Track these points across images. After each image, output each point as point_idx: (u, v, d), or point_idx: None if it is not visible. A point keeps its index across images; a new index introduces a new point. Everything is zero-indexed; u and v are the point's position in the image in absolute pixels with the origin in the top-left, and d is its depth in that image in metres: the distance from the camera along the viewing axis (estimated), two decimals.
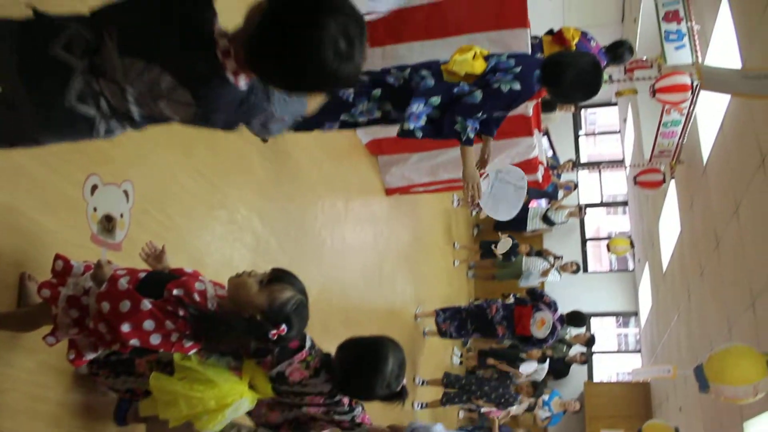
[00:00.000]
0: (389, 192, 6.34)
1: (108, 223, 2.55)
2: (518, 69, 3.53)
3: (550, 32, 6.69)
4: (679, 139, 7.27)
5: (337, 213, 5.03)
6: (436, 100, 3.56)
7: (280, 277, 1.98)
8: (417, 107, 3.55)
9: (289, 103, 1.68)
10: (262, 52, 1.42)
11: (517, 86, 3.48)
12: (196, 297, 1.94)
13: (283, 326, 1.95)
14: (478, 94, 3.50)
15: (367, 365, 2.30)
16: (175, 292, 1.93)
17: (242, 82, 1.52)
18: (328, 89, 1.49)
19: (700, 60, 6.34)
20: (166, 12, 1.48)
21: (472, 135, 3.58)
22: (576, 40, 5.98)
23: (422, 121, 3.59)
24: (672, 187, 8.34)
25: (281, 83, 1.50)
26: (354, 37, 1.40)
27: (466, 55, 3.60)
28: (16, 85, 1.50)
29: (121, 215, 2.61)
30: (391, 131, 5.43)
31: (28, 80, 1.50)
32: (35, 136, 1.61)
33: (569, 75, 3.45)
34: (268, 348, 2.21)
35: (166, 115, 1.56)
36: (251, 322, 1.93)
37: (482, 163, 4.08)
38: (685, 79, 6.30)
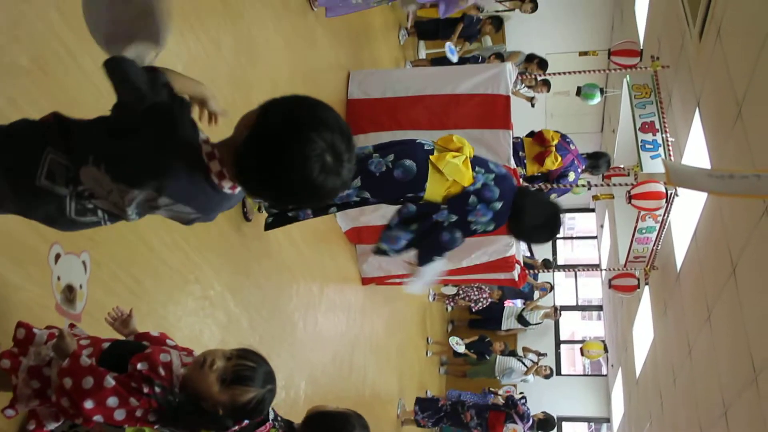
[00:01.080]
0: (365, 281, 6.31)
1: (69, 294, 2.52)
2: (498, 205, 3.49)
3: (531, 134, 6.90)
4: (654, 245, 7.38)
5: (312, 297, 4.99)
6: (415, 227, 3.65)
7: (243, 377, 1.89)
8: (396, 234, 3.68)
9: None
10: (249, 167, 1.43)
11: (491, 227, 3.58)
12: (161, 371, 1.89)
13: (246, 421, 1.92)
14: (458, 236, 3.55)
15: None
16: (139, 366, 1.87)
17: (226, 187, 1.54)
18: (314, 203, 1.50)
19: None
20: (160, 144, 1.49)
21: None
22: (556, 142, 6.17)
23: (402, 244, 3.68)
24: (646, 292, 8.40)
25: (267, 196, 1.52)
26: (341, 152, 1.40)
27: (458, 159, 3.51)
28: (16, 206, 1.58)
29: (80, 286, 2.58)
30: (372, 220, 5.51)
31: (24, 206, 1.58)
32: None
33: (529, 224, 3.58)
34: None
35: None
36: (212, 414, 1.88)
37: None
38: (660, 187, 6.47)
